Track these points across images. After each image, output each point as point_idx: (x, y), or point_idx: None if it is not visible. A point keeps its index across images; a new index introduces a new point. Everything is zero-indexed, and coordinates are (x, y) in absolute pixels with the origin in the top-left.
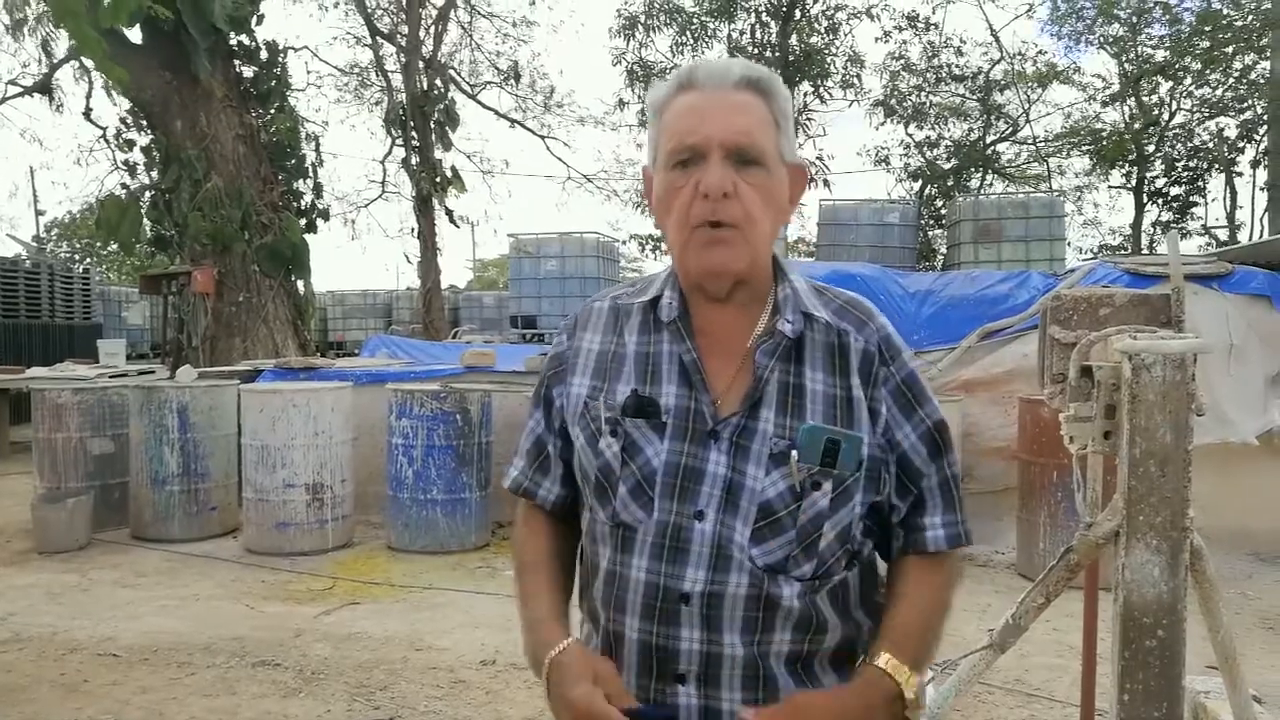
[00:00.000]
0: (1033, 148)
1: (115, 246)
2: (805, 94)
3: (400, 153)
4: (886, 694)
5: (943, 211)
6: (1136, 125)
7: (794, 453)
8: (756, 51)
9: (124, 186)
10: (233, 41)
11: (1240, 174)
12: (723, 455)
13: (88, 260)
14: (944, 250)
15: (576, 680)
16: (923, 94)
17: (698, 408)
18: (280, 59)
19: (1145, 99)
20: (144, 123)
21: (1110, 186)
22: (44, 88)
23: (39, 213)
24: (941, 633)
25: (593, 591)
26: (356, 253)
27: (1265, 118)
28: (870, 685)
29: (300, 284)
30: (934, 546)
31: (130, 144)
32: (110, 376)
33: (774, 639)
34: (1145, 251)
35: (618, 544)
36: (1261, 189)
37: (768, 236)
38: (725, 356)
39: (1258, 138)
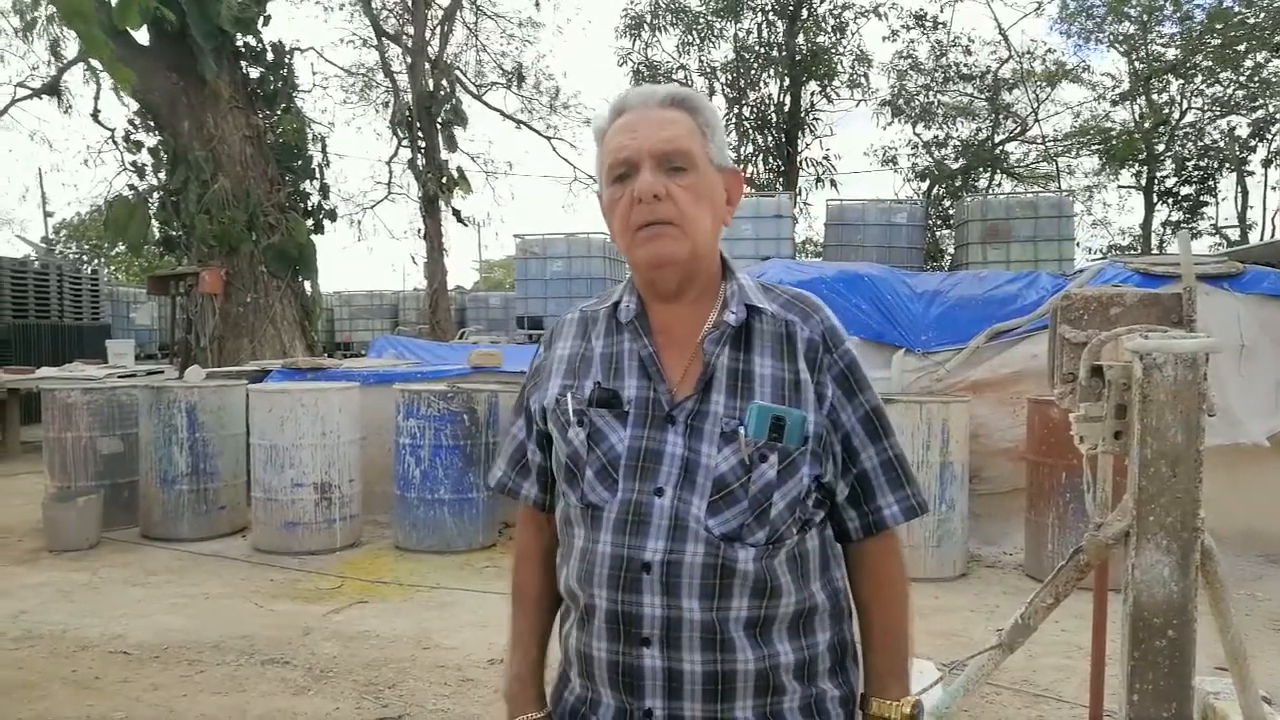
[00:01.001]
0: (1041, 147)
1: (124, 247)
2: (812, 94)
3: (406, 154)
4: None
5: (950, 211)
6: (1146, 124)
7: (741, 429)
8: (763, 51)
9: (132, 188)
10: (239, 43)
11: (1252, 173)
12: (679, 437)
13: (96, 261)
14: (952, 250)
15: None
16: (930, 93)
17: (655, 396)
18: (286, 60)
19: (1155, 98)
20: (151, 124)
21: (1120, 186)
22: (52, 89)
23: (48, 214)
24: (912, 619)
25: (569, 572)
26: (363, 254)
27: (1277, 116)
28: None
29: (307, 285)
30: (893, 522)
31: (138, 145)
32: (119, 377)
33: (731, 604)
34: (1155, 252)
35: (587, 523)
36: (1273, 188)
37: (707, 232)
38: (679, 349)
39: (1269, 136)
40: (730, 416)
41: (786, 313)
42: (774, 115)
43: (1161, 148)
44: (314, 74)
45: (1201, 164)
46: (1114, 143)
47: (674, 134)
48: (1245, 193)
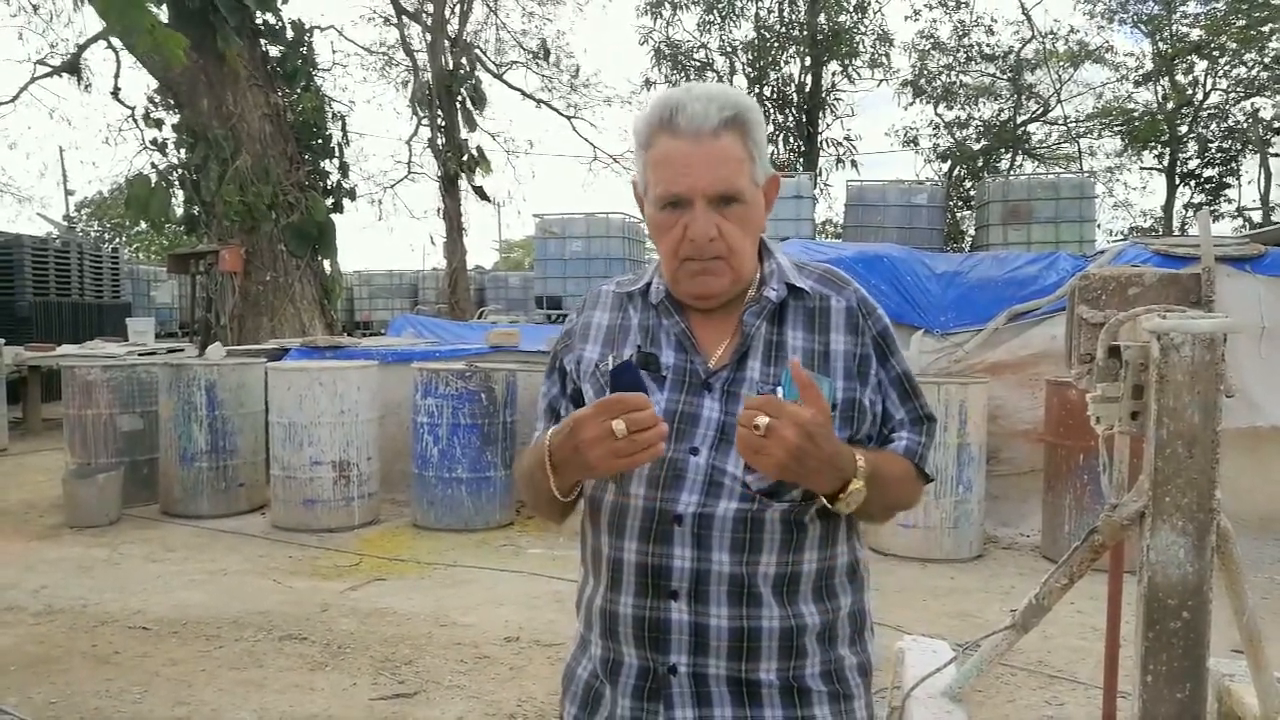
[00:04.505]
0: (1064, 128)
1: (144, 225)
2: (833, 73)
3: (426, 133)
4: (847, 465)
5: (971, 192)
6: (1169, 105)
7: (779, 389)
8: (784, 30)
9: (153, 166)
10: (259, 20)
11: (1276, 155)
12: (715, 402)
13: (117, 239)
14: (972, 231)
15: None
16: (952, 73)
17: (692, 367)
18: (306, 38)
19: (1179, 78)
20: (171, 102)
21: (1142, 168)
22: (72, 67)
23: (69, 192)
24: (888, 502)
25: (594, 530)
26: (383, 233)
27: None
28: (845, 451)
29: (327, 263)
30: (892, 449)
31: (158, 123)
32: (139, 354)
33: (760, 559)
34: (1177, 234)
35: (619, 479)
36: None
37: (750, 255)
38: (715, 326)
39: None
40: (765, 382)
41: (821, 287)
42: (795, 95)
43: (1184, 129)
44: (334, 52)
45: (1225, 146)
46: (1136, 124)
47: (727, 174)
48: (1269, 175)
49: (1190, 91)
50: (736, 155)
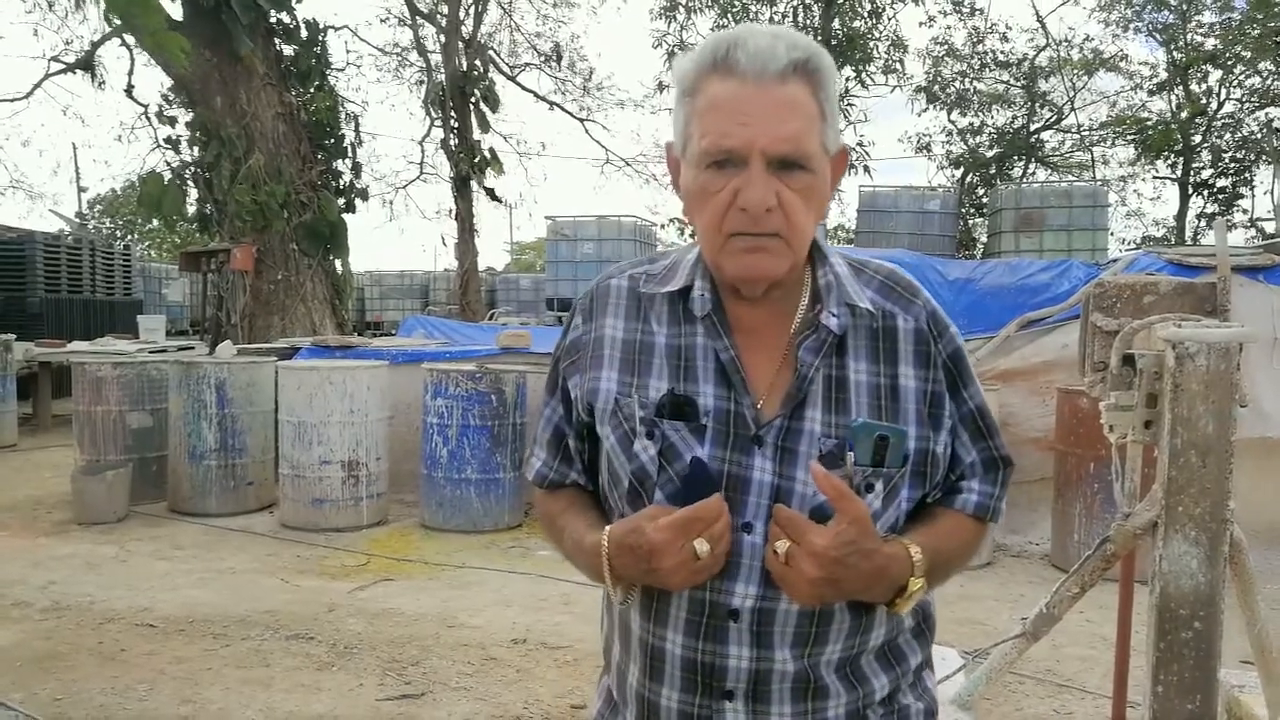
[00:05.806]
0: (1077, 136)
1: (156, 223)
2: (847, 79)
3: (439, 133)
4: (901, 569)
5: (984, 199)
6: (1183, 114)
7: (850, 455)
8: None
9: (166, 164)
10: (273, 19)
11: None
12: (768, 461)
13: (129, 237)
14: (984, 239)
15: (639, 519)
16: (966, 80)
17: (738, 410)
18: (320, 38)
19: (1193, 88)
20: (184, 100)
21: (1155, 177)
22: (86, 64)
23: (81, 189)
24: (952, 574)
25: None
26: (395, 234)
27: None
28: (895, 555)
29: (338, 263)
30: (960, 506)
31: (172, 121)
32: (150, 352)
33: (825, 649)
34: (1190, 244)
35: None
36: None
37: (809, 237)
38: (763, 351)
39: None
40: (827, 435)
41: (884, 301)
42: None
43: (1198, 139)
44: (348, 52)
45: (1238, 156)
46: (1150, 133)
47: (795, 131)
48: None
49: (1204, 101)
50: (807, 108)
